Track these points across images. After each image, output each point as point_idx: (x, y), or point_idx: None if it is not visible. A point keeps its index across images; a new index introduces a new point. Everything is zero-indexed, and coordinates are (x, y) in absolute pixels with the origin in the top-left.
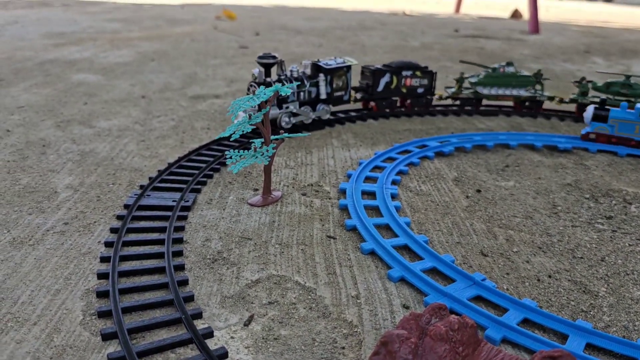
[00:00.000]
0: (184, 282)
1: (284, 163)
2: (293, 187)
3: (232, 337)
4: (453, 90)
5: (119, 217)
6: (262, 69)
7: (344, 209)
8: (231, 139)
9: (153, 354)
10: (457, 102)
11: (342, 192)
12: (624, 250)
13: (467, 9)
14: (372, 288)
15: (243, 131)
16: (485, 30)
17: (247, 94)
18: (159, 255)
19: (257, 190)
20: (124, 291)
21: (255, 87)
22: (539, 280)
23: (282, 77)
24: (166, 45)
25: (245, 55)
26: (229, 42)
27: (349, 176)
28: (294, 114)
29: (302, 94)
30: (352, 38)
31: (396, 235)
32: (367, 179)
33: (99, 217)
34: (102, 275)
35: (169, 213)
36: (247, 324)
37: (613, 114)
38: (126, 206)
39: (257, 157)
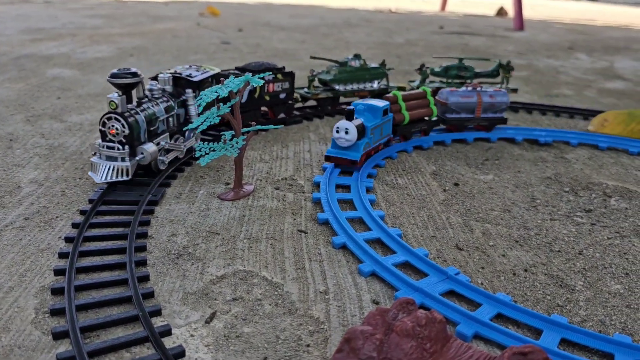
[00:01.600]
0: (145, 278)
1: (258, 157)
2: (266, 181)
3: (191, 335)
4: (306, 91)
5: (83, 212)
6: (120, 93)
7: (317, 202)
8: (197, 131)
9: (106, 353)
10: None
11: (317, 185)
12: (602, 244)
13: (453, 6)
14: (342, 283)
15: (211, 122)
16: (470, 27)
17: (101, 132)
18: (121, 251)
19: (228, 184)
20: (80, 288)
21: (117, 121)
22: (514, 274)
23: (145, 101)
24: (147, 41)
25: (227, 51)
26: (211, 39)
27: (325, 169)
28: (167, 150)
29: (170, 119)
30: (337, 35)
31: (369, 229)
32: (343, 172)
33: (62, 212)
34: (58, 272)
35: (135, 207)
36: (208, 321)
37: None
38: (90, 201)
39: (227, 149)
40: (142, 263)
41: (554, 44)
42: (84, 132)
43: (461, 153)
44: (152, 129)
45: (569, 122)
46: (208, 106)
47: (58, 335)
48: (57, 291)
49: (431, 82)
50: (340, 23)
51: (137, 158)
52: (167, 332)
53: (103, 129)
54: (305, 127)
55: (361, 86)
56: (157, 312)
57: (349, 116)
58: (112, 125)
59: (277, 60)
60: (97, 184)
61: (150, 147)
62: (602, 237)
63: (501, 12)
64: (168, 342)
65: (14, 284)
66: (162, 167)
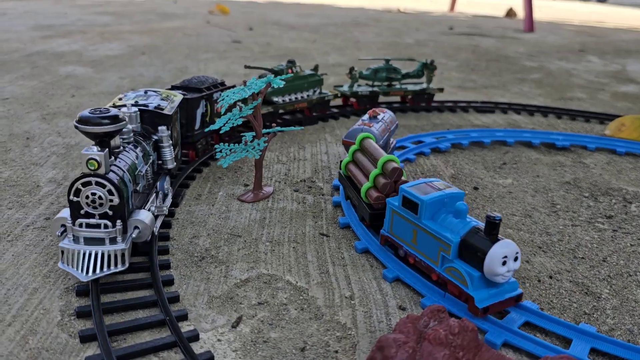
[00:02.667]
0: (169, 282)
1: (275, 158)
2: (285, 183)
3: (219, 340)
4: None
5: None
6: (98, 146)
7: (337, 205)
8: (221, 132)
9: (134, 358)
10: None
11: (336, 188)
12: (626, 251)
13: (462, 7)
14: (367, 288)
15: (233, 124)
16: (479, 28)
17: (73, 204)
18: (144, 253)
19: (247, 185)
20: (105, 290)
21: (100, 186)
22: (539, 281)
23: (119, 149)
24: (157, 39)
25: (238, 49)
26: (221, 37)
27: None
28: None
29: (149, 170)
30: (346, 34)
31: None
32: None
33: None
34: None
35: None
36: (235, 325)
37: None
38: None
39: (248, 150)
40: (166, 266)
41: (564, 46)
42: None
43: (479, 156)
44: (136, 188)
45: (584, 126)
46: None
47: (86, 339)
48: (81, 293)
49: (359, 85)
50: (349, 22)
51: (132, 235)
52: (195, 337)
53: (77, 198)
54: (321, 128)
55: (299, 96)
56: (184, 317)
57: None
58: (93, 194)
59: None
60: None
61: (146, 217)
62: (625, 244)
63: (510, 13)
64: (196, 347)
65: (38, 285)
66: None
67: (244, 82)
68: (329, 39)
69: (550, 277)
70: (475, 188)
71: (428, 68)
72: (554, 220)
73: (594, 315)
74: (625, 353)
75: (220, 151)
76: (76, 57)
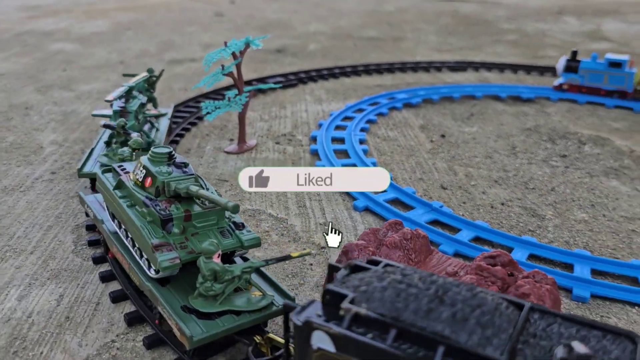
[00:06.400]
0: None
1: (259, 117)
2: (267, 137)
3: None
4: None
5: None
6: None
7: (314, 153)
8: (206, 89)
9: None
10: None
11: (313, 139)
12: (573, 182)
13: None
14: (339, 217)
15: (216, 80)
16: None
17: None
18: None
19: (232, 140)
20: None
21: None
22: (492, 207)
23: None
24: (142, 15)
25: (221, 22)
26: (205, 11)
27: (321, 125)
28: None
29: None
30: (328, 4)
31: None
32: (338, 127)
33: None
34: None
35: None
36: None
37: (583, 65)
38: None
39: (231, 106)
40: None
41: (544, 9)
42: (93, 99)
43: (448, 109)
44: None
45: (552, 80)
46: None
47: (98, 260)
48: (91, 227)
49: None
50: None
51: None
52: None
53: None
54: (302, 90)
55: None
56: None
57: None
58: None
59: (271, 30)
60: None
61: None
62: (573, 177)
63: None
64: None
65: (52, 224)
66: None
67: (225, 43)
68: (311, 9)
69: (502, 204)
70: (443, 135)
71: (150, 81)
72: (512, 160)
73: (537, 232)
74: (558, 257)
75: (207, 108)
76: (64, 35)
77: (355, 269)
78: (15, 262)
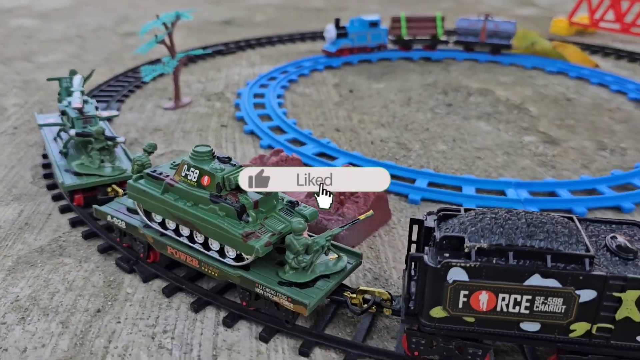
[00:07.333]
0: None
1: (196, 80)
2: (201, 96)
3: None
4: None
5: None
6: None
7: (237, 106)
8: (143, 54)
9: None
10: None
11: (239, 95)
12: (446, 124)
13: None
14: (247, 153)
15: (151, 47)
16: None
17: None
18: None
19: (171, 99)
20: None
21: None
22: (372, 143)
23: None
24: None
25: None
26: None
27: (248, 84)
28: None
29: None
30: None
31: (272, 120)
32: (262, 85)
33: None
34: (46, 156)
35: None
36: None
37: (351, 29)
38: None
39: (164, 68)
40: None
41: None
42: (51, 69)
43: (365, 70)
44: None
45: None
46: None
47: (51, 187)
48: (46, 166)
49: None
50: None
51: None
52: None
53: None
54: (239, 56)
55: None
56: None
57: None
58: None
59: (222, 3)
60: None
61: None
62: (449, 120)
63: None
64: None
65: (15, 164)
66: None
67: (157, 16)
68: None
69: (381, 141)
70: (351, 91)
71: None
72: (404, 109)
73: (401, 160)
74: (405, 174)
75: (144, 71)
76: (25, 11)
77: (442, 217)
78: None
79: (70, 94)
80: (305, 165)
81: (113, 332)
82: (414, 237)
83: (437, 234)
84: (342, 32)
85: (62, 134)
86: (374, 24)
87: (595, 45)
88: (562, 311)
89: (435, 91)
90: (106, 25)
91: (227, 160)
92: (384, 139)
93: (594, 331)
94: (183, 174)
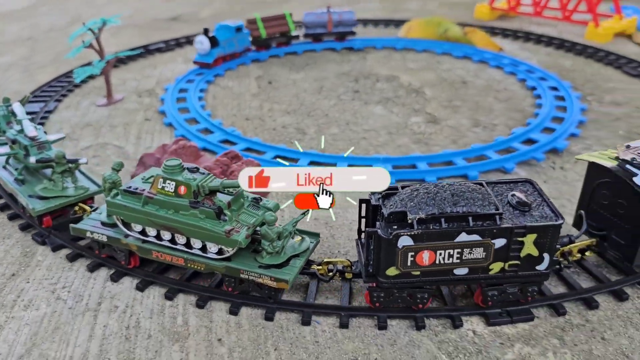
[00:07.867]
0: None
1: (132, 77)
2: (133, 93)
3: None
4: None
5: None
6: None
7: (162, 101)
8: (72, 58)
9: None
10: None
11: (166, 90)
12: (346, 109)
13: None
14: (163, 142)
15: (78, 52)
16: None
17: None
18: None
19: (104, 97)
20: None
21: None
22: (274, 129)
23: None
24: None
25: None
26: None
27: (176, 80)
28: None
29: None
30: None
31: (189, 112)
32: (189, 80)
33: None
34: None
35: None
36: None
37: (221, 37)
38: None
39: (93, 69)
40: None
41: None
42: (1, 70)
43: (289, 61)
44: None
45: (395, 31)
46: None
47: None
48: None
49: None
50: None
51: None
52: None
53: None
54: (177, 53)
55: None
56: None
57: None
58: None
59: (171, 0)
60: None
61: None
62: (351, 106)
63: None
64: None
65: None
66: None
67: (83, 23)
68: None
69: (283, 127)
70: (270, 82)
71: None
72: (314, 97)
73: (294, 142)
74: (289, 154)
75: (76, 72)
76: None
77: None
78: None
79: (9, 122)
80: (204, 150)
81: (22, 289)
82: (363, 213)
83: (385, 211)
84: (215, 41)
85: (11, 161)
86: (239, 29)
87: (510, 29)
88: (483, 257)
89: (348, 79)
90: (59, 25)
91: (195, 170)
92: (286, 125)
93: (506, 267)
94: (160, 187)
